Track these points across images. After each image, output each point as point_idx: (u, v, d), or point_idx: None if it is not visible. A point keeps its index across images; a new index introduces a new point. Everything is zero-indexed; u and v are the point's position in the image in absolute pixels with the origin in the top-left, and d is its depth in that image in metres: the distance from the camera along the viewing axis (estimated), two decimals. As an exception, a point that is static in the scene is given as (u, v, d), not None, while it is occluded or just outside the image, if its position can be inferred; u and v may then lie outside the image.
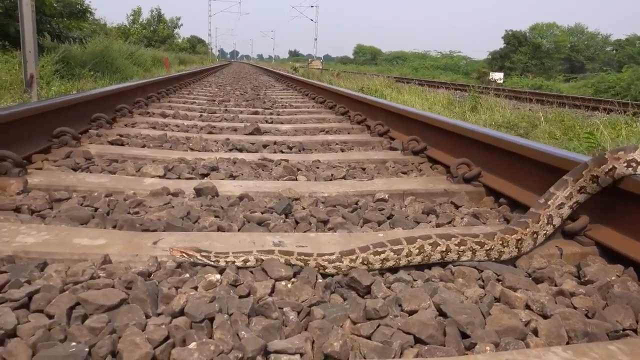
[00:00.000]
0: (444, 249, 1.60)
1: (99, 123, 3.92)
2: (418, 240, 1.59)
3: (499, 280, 1.53)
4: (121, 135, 3.59)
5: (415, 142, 3.45)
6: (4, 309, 1.20)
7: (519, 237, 1.67)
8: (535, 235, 1.71)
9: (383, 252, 1.55)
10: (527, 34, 56.84)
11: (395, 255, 1.56)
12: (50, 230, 1.73)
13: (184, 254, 1.51)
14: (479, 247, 1.62)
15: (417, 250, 1.58)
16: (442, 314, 1.31)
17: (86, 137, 3.50)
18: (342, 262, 1.53)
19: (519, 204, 2.26)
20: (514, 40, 55.84)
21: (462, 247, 1.61)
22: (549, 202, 1.76)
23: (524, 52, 54.35)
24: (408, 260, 1.58)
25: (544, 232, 1.74)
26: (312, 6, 63.07)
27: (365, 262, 1.54)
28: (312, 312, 1.28)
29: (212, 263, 1.52)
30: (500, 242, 1.65)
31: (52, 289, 1.31)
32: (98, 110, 4.10)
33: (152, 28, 48.82)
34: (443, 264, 1.64)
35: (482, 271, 1.58)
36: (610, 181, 1.75)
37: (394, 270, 1.59)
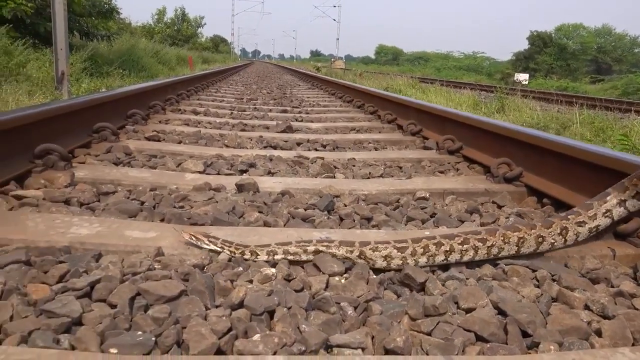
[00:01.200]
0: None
1: (134, 119, 3.98)
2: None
3: (554, 280, 1.51)
4: (157, 132, 3.63)
5: (451, 142, 3.42)
6: (69, 298, 1.22)
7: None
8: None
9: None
10: (553, 35, 55.95)
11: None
12: (102, 223, 1.75)
13: (192, 236, 1.57)
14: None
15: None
16: (500, 312, 1.29)
17: (123, 133, 3.55)
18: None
19: (563, 205, 2.22)
20: (538, 41, 55.02)
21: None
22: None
23: (549, 53, 53.51)
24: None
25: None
26: (334, 6, 63.06)
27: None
28: (370, 308, 1.28)
29: (218, 248, 1.56)
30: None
31: (113, 279, 1.33)
32: (133, 107, 4.16)
33: (176, 27, 49.34)
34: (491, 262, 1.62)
35: (535, 271, 1.56)
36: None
37: (444, 267, 1.58)
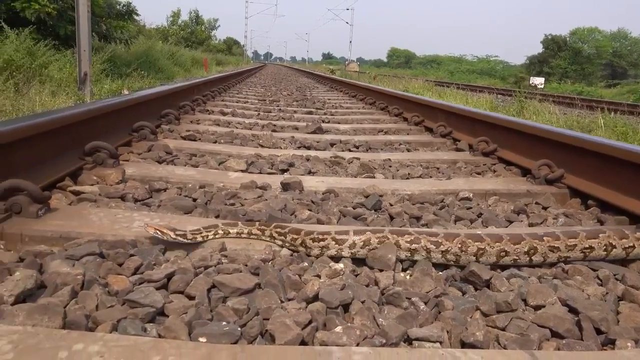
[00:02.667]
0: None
1: (168, 119, 4.03)
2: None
3: (617, 280, 1.51)
4: (192, 131, 3.67)
5: (485, 144, 3.42)
6: (149, 289, 1.25)
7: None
8: None
9: None
10: (568, 39, 55.57)
11: None
12: (162, 218, 1.79)
13: (157, 231, 1.52)
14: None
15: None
16: (571, 309, 1.30)
17: (159, 132, 3.60)
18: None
19: (609, 206, 2.23)
20: (553, 45, 54.69)
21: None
22: None
23: (564, 57, 53.16)
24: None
25: None
26: (347, 9, 63.08)
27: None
28: (442, 303, 1.30)
29: (188, 240, 1.55)
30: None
31: (187, 272, 1.36)
32: (165, 107, 4.22)
33: (189, 30, 49.67)
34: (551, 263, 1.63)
35: (596, 270, 1.57)
36: None
37: (503, 266, 1.59)
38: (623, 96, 26.07)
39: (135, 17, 17.56)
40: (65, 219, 1.69)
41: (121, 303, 1.22)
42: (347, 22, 59.19)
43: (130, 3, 16.49)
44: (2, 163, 1.82)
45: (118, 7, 16.44)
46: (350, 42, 59.20)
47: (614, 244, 1.61)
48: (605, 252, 1.61)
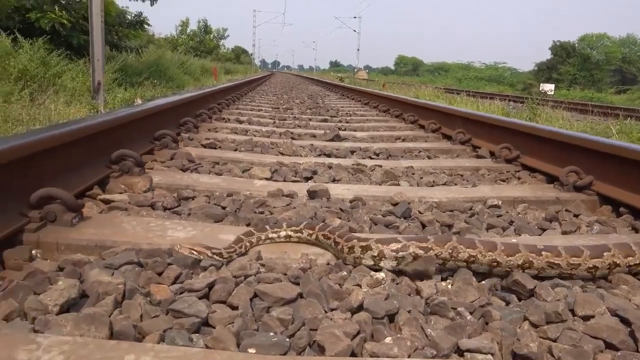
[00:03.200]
0: None
1: (187, 127, 4.04)
2: None
3: (664, 289, 1.48)
4: (211, 139, 3.67)
5: (508, 150, 3.39)
6: (192, 299, 1.23)
7: None
8: None
9: None
10: (576, 45, 55.36)
11: None
12: (194, 226, 1.78)
13: (193, 251, 1.46)
14: None
15: None
16: (622, 320, 1.27)
17: (179, 140, 3.60)
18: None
19: (642, 213, 2.19)
20: (561, 51, 54.49)
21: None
22: None
23: (573, 63, 52.92)
24: None
25: None
26: (355, 17, 63.33)
27: None
28: (489, 313, 1.27)
29: (224, 259, 1.50)
30: None
31: (228, 281, 1.34)
32: (183, 115, 4.22)
33: (198, 39, 50.00)
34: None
35: (641, 278, 1.54)
36: None
37: (541, 277, 1.56)
38: (634, 102, 25.90)
39: (147, 26, 17.71)
40: (99, 228, 1.68)
41: (165, 313, 1.21)
42: (354, 30, 59.39)
43: (142, 13, 16.62)
44: (34, 172, 1.82)
45: (129, 17, 16.57)
46: (358, 50, 59.37)
47: None
48: None
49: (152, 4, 15.61)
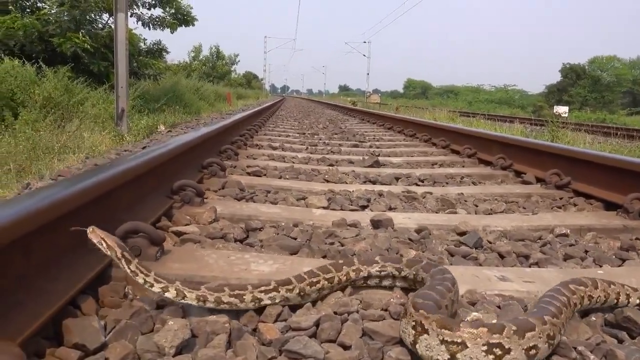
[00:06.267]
0: None
1: (227, 154, 4.04)
2: None
3: None
4: (254, 167, 3.67)
5: (557, 176, 3.35)
6: (304, 338, 1.20)
7: None
8: None
9: None
10: (586, 67, 55.50)
11: None
12: (275, 260, 1.75)
13: (102, 240, 1.30)
14: None
15: None
16: None
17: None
18: None
19: None
20: (572, 73, 54.67)
21: None
22: None
23: (583, 85, 52.99)
24: None
25: None
26: (365, 42, 64.12)
27: None
28: (613, 353, 1.22)
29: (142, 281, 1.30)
30: None
31: (334, 319, 1.30)
32: (222, 143, 4.24)
33: (210, 64, 50.73)
34: None
35: None
36: None
37: None
38: (648, 124, 25.72)
39: (166, 54, 18.04)
40: (183, 262, 1.66)
41: (278, 354, 1.17)
42: (364, 55, 60.00)
43: (161, 41, 16.94)
44: (112, 206, 1.80)
45: (143, 45, 16.85)
46: (368, 74, 59.88)
47: None
48: None
49: (172, 32, 15.88)
